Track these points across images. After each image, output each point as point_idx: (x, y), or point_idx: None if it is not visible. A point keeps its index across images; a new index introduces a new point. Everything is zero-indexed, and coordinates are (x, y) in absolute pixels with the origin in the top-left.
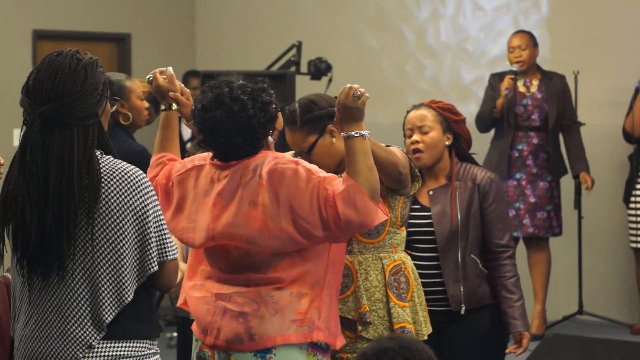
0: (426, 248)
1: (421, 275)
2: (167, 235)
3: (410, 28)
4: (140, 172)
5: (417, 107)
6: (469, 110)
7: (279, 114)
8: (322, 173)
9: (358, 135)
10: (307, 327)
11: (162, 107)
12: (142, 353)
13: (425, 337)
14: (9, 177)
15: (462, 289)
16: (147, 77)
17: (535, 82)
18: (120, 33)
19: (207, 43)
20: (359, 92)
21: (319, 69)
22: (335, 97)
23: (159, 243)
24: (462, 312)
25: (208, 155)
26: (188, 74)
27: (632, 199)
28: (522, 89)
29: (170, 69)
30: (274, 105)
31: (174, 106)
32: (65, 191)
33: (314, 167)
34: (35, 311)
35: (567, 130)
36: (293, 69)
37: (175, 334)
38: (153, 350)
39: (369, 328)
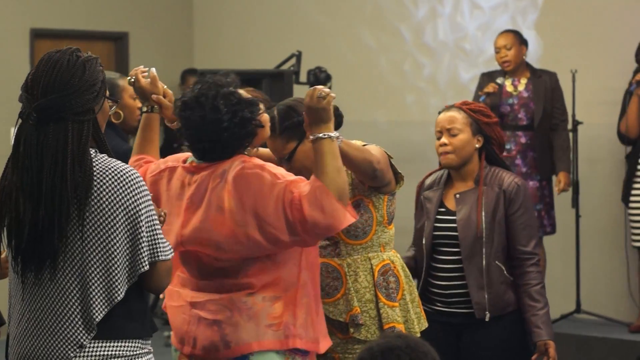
0: (450, 252)
1: (445, 279)
2: (159, 236)
3: (408, 27)
4: (134, 171)
5: (448, 108)
6: None
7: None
8: (290, 177)
9: (325, 137)
10: (282, 333)
11: (144, 108)
12: (134, 353)
13: (418, 334)
14: (5, 173)
15: (486, 296)
16: (128, 78)
17: (523, 81)
18: (118, 32)
19: (205, 42)
20: (323, 93)
21: (319, 79)
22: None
23: (151, 243)
24: (487, 319)
25: (182, 156)
26: (186, 73)
27: (632, 198)
28: (509, 88)
29: (153, 69)
30: (256, 122)
31: (156, 108)
32: (58, 185)
33: (280, 171)
34: (28, 309)
35: (554, 129)
36: (293, 67)
37: (171, 333)
38: (146, 350)
39: (360, 329)
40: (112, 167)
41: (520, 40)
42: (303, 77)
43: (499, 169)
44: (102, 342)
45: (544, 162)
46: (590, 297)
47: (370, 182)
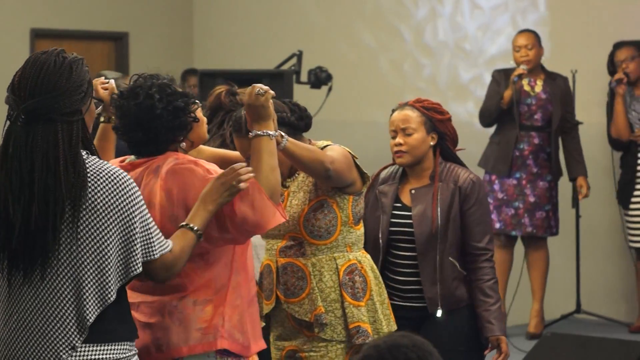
0: (406, 247)
1: (400, 274)
2: (153, 234)
3: (408, 27)
4: (126, 174)
5: (402, 107)
6: (467, 109)
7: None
8: (221, 172)
9: (264, 134)
10: (211, 335)
11: (102, 118)
12: (124, 355)
13: None
14: None
15: (438, 292)
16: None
17: (539, 82)
18: (118, 32)
19: (205, 41)
20: (261, 90)
21: (319, 79)
22: (290, 102)
23: (144, 244)
24: (439, 314)
25: (122, 158)
26: (186, 73)
27: (633, 199)
28: (526, 87)
29: (112, 82)
30: (191, 115)
31: (113, 119)
32: (52, 186)
33: (213, 167)
34: (15, 310)
35: (567, 132)
36: (293, 67)
37: None
38: (133, 352)
39: (325, 329)
40: (106, 169)
41: (540, 41)
42: (304, 77)
43: (454, 165)
44: (94, 346)
45: (556, 164)
46: (590, 298)
47: (324, 182)
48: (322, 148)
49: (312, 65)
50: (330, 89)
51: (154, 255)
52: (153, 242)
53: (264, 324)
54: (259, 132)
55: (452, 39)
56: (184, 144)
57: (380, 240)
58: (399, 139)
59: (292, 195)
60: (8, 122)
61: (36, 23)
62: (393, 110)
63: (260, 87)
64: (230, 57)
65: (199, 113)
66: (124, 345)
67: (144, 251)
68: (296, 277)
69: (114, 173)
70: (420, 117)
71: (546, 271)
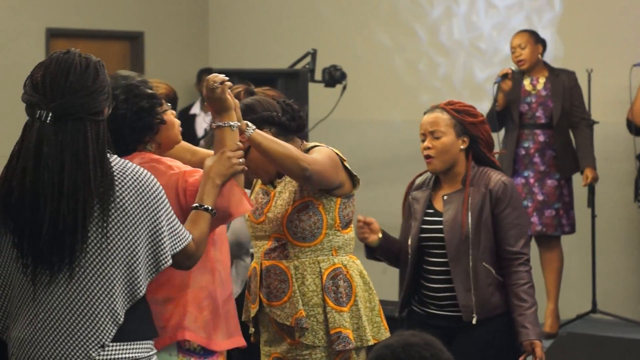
0: (439, 254)
1: (434, 282)
2: (177, 226)
3: (423, 26)
4: (148, 172)
5: (432, 109)
6: (482, 108)
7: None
8: (186, 168)
9: (225, 125)
10: (172, 333)
11: None
12: (147, 355)
13: (370, 343)
14: (8, 173)
15: (473, 298)
16: None
17: (542, 80)
18: (134, 31)
19: (220, 41)
20: (215, 83)
21: (334, 77)
22: (283, 102)
23: (171, 237)
24: (474, 322)
25: None
26: (202, 72)
27: None
28: (528, 87)
29: None
30: (157, 117)
31: None
32: (81, 184)
33: (177, 164)
34: (41, 310)
35: (575, 127)
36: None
37: None
38: (153, 351)
39: (307, 334)
40: (130, 168)
41: (536, 40)
42: (318, 76)
43: (488, 168)
44: (121, 344)
45: (563, 161)
46: (606, 297)
47: (304, 183)
48: (309, 149)
49: (327, 64)
50: (344, 88)
51: (180, 245)
52: (178, 233)
53: (253, 329)
54: (220, 124)
55: (467, 38)
56: (152, 145)
57: (410, 247)
58: (427, 143)
59: (277, 195)
60: (37, 121)
61: (52, 22)
62: (424, 113)
63: (214, 79)
64: (246, 56)
65: (169, 116)
66: (147, 344)
67: (171, 244)
68: (279, 279)
69: (138, 171)
70: (450, 120)
71: (560, 271)
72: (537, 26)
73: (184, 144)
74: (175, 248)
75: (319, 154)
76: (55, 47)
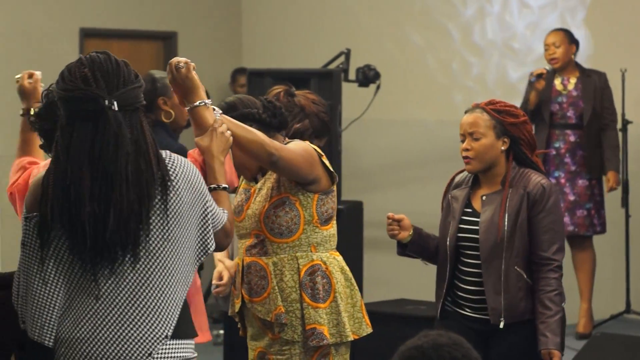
0: (474, 255)
1: (469, 283)
2: (216, 208)
3: (456, 26)
4: (186, 158)
5: (472, 109)
6: None
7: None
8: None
9: (201, 104)
10: None
11: (21, 111)
12: (194, 355)
13: (350, 339)
14: (58, 170)
15: (502, 302)
16: (16, 76)
17: (572, 80)
18: (167, 31)
19: (253, 41)
20: (180, 63)
21: (367, 77)
22: (265, 99)
23: (213, 220)
24: (501, 326)
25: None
26: (236, 72)
27: None
28: (559, 86)
29: (38, 73)
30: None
31: (32, 111)
32: (144, 171)
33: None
34: (102, 305)
35: (604, 129)
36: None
37: (222, 332)
38: (195, 352)
39: (286, 329)
40: (170, 155)
41: (570, 39)
42: (352, 75)
43: (529, 170)
44: (175, 342)
45: (593, 161)
46: None
47: (271, 169)
48: (286, 143)
49: (361, 64)
50: (378, 87)
51: (219, 226)
52: (217, 215)
53: (240, 324)
54: (194, 104)
55: (500, 38)
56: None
57: (448, 247)
58: (466, 144)
59: (257, 192)
60: (107, 110)
61: (85, 22)
62: (465, 112)
63: (178, 60)
64: (279, 56)
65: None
66: (192, 343)
67: (214, 227)
68: (258, 276)
69: (182, 159)
70: (489, 121)
71: (593, 271)
72: (570, 25)
73: None
74: (216, 229)
75: (293, 144)
76: (89, 47)
